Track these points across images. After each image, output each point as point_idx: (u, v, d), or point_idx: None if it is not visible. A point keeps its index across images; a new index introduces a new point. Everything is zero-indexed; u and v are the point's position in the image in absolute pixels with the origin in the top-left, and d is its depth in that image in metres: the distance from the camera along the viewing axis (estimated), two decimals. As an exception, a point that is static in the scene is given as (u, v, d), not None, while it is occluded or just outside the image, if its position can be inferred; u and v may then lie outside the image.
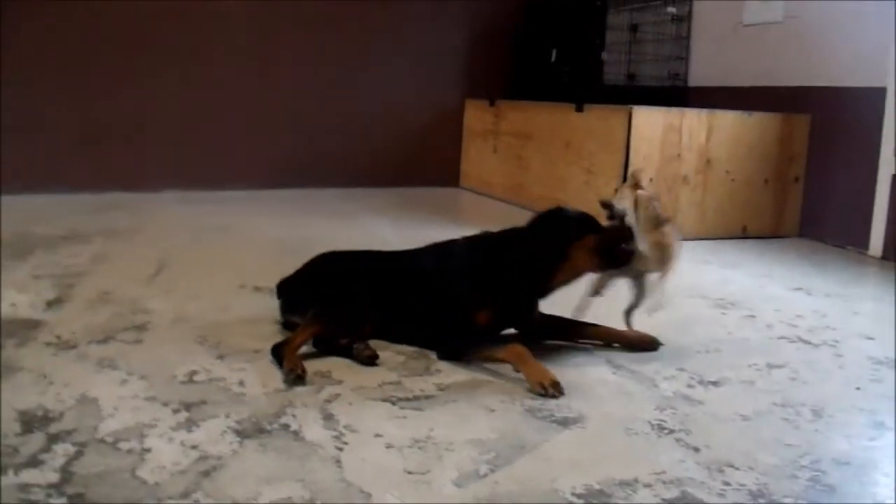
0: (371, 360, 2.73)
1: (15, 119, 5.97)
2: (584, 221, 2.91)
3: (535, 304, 3.00)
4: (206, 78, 6.62)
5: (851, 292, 4.15)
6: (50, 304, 3.34)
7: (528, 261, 2.87)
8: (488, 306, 2.87)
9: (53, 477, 1.90)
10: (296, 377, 2.54)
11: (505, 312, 2.91)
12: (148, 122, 6.48)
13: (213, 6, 6.57)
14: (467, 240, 3.05)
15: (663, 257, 2.88)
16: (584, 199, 5.54)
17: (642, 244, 2.86)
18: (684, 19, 6.68)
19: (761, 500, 1.93)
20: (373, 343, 2.84)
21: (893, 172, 4.99)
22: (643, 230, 2.88)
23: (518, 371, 2.66)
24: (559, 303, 2.99)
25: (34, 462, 1.96)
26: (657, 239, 2.87)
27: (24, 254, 4.16)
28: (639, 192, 2.94)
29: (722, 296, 3.90)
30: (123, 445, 2.08)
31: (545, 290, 2.93)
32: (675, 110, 5.41)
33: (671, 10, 6.74)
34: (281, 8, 6.78)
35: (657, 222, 2.90)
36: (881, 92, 5.06)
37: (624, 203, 2.93)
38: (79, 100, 6.22)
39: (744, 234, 5.53)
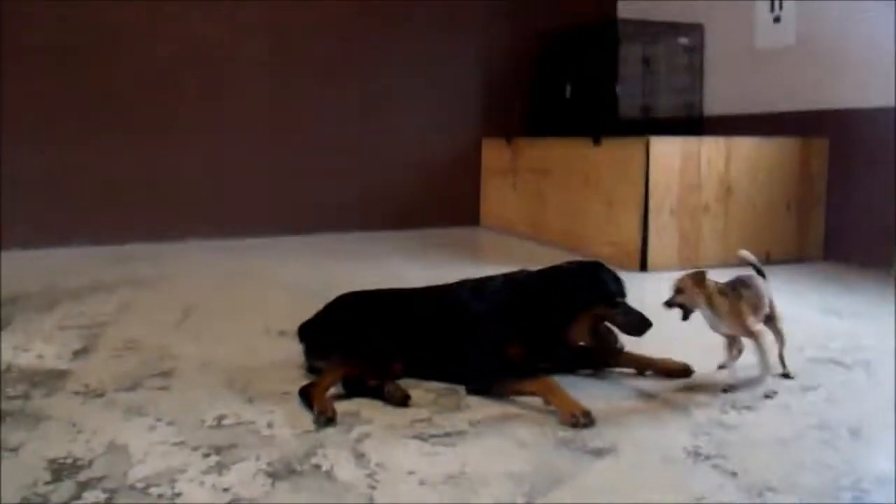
0: (404, 401, 2.69)
1: (35, 173, 6.01)
2: (598, 290, 2.92)
3: (566, 340, 2.97)
4: (226, 126, 6.65)
5: (881, 311, 4.09)
6: (76, 354, 3.33)
7: (546, 308, 2.89)
8: (520, 342, 2.85)
9: (85, 525, 1.88)
10: (326, 419, 2.52)
11: (536, 348, 2.89)
12: (168, 171, 6.50)
13: (233, 53, 6.62)
14: (505, 276, 3.07)
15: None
16: (604, 232, 5.54)
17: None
18: (696, 49, 6.69)
19: (804, 523, 1.89)
20: (403, 382, 2.81)
21: (915, 192, 4.96)
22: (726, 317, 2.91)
23: (548, 404, 2.63)
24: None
25: (65, 511, 1.95)
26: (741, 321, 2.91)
27: (49, 306, 4.17)
28: (707, 284, 2.92)
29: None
30: (154, 491, 2.06)
31: (565, 341, 2.94)
32: (692, 139, 5.40)
33: (683, 40, 6.75)
34: (299, 53, 6.83)
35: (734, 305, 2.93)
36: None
37: (693, 298, 2.91)
38: (98, 151, 6.24)
39: (768, 261, 5.47)
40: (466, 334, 2.91)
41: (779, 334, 3.06)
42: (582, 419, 2.50)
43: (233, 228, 6.62)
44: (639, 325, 2.89)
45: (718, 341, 3.50)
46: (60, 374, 3.05)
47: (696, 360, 3.05)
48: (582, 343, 2.97)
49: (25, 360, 3.25)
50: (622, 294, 2.95)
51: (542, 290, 2.94)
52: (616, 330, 2.95)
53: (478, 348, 2.86)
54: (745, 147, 5.41)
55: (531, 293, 2.93)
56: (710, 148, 5.31)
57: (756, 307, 2.94)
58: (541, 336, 2.90)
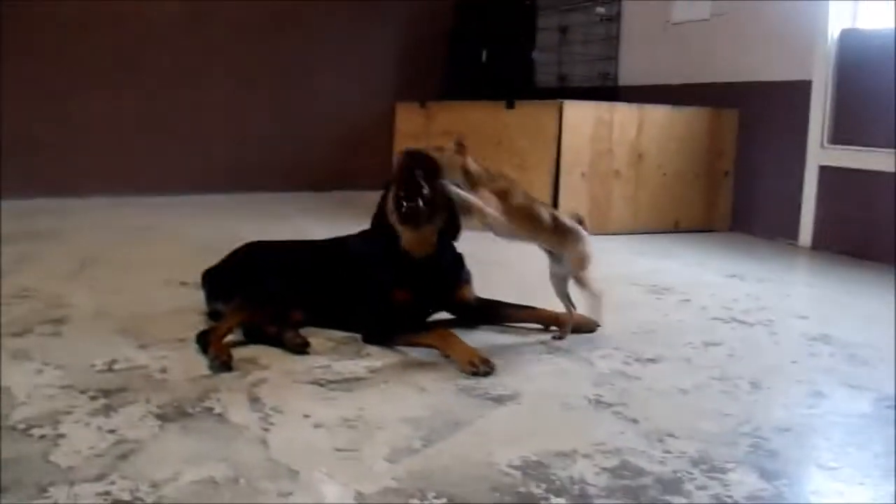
0: (302, 348, 2.63)
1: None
2: (395, 175, 2.81)
3: (458, 284, 2.94)
4: (137, 83, 6.48)
5: (783, 278, 4.16)
6: (-35, 302, 3.20)
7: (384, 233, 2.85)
8: (404, 285, 2.81)
9: (-41, 463, 1.79)
10: (221, 363, 2.44)
11: (421, 291, 2.84)
12: (75, 126, 6.31)
13: (148, 9, 6.44)
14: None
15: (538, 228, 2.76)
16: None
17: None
18: (613, 19, 6.70)
19: (703, 466, 1.88)
20: (303, 331, 2.75)
21: (821, 164, 5.02)
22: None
23: (447, 356, 2.60)
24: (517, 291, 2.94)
25: (-62, 450, 1.85)
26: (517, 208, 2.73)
27: (-62, 256, 4.00)
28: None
29: (656, 283, 3.88)
30: (36, 432, 1.96)
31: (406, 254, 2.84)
32: (605, 104, 5.41)
33: (600, 10, 6.76)
34: (209, 13, 6.67)
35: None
36: (807, 85, 5.10)
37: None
38: (2, 104, 6.03)
39: (676, 229, 5.54)
40: (357, 282, 2.87)
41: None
42: (482, 367, 2.47)
43: (140, 186, 6.45)
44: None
45: (626, 299, 3.53)
46: (-54, 320, 2.92)
47: (602, 315, 3.04)
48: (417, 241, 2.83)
49: None
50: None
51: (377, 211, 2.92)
52: None
53: (367, 295, 2.81)
54: (657, 115, 5.44)
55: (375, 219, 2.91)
56: (623, 114, 5.33)
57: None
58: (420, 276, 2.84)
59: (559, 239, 2.75)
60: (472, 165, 2.74)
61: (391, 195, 2.78)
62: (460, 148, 2.75)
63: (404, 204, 2.70)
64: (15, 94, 6.06)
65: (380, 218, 2.87)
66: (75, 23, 6.22)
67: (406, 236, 2.79)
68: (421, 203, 2.69)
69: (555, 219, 2.76)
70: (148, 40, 6.50)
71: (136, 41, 6.46)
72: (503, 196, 2.72)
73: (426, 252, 2.83)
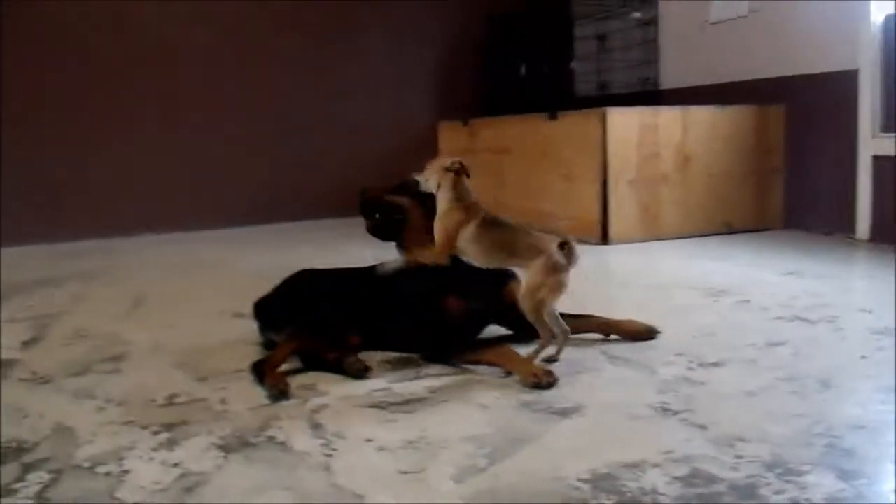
0: (363, 373, 2.60)
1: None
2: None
3: (504, 282, 2.89)
4: (177, 119, 6.55)
5: (843, 273, 4.07)
6: (25, 344, 3.23)
7: None
8: (456, 293, 2.79)
9: (27, 505, 1.79)
10: (279, 392, 2.43)
11: (473, 297, 2.82)
12: (118, 166, 6.38)
13: (185, 43, 6.52)
14: None
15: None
16: (564, 206, 5.50)
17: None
18: (651, 23, 6.65)
19: (778, 470, 1.83)
20: (361, 355, 2.73)
21: (874, 154, 4.93)
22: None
23: (508, 374, 2.57)
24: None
25: (7, 492, 1.85)
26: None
27: (-3, 300, 4.06)
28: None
29: (713, 285, 3.82)
30: (101, 469, 1.96)
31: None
32: (649, 109, 5.37)
33: (637, 15, 6.72)
34: (248, 45, 6.74)
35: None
36: (853, 74, 5.02)
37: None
38: (46, 149, 6.12)
39: (728, 230, 5.46)
40: (408, 301, 2.86)
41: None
42: (545, 379, 2.44)
43: (185, 221, 6.52)
44: None
45: (683, 303, 3.48)
46: (8, 364, 2.95)
47: (661, 321, 2.99)
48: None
49: (-28, 353, 3.14)
50: None
51: None
52: None
53: (420, 311, 2.79)
54: (702, 116, 5.38)
55: None
56: (667, 118, 5.28)
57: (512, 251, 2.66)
58: (472, 282, 2.82)
59: (532, 264, 2.61)
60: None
61: None
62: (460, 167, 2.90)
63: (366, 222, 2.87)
64: (61, 137, 6.14)
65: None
66: (115, 63, 6.30)
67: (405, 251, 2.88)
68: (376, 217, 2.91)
69: (530, 246, 2.65)
70: (183, 74, 6.57)
71: (171, 76, 6.52)
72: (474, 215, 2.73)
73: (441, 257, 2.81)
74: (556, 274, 2.56)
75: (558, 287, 2.57)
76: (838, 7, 5.07)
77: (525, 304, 2.58)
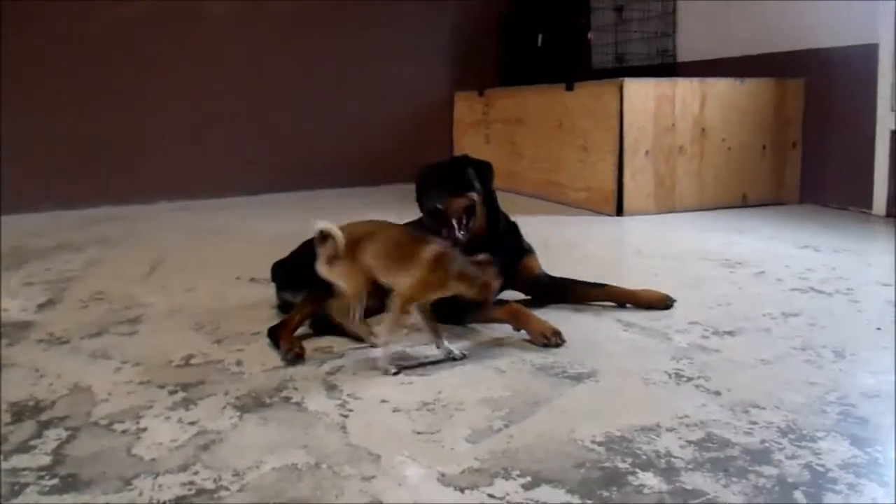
0: (370, 337, 2.61)
1: (3, 138, 5.88)
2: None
3: (521, 255, 2.94)
4: (195, 86, 6.53)
5: (860, 247, 4.05)
6: (41, 307, 3.25)
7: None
8: None
9: (45, 460, 1.81)
10: (294, 356, 2.45)
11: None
12: (138, 134, 6.38)
13: (199, 11, 6.49)
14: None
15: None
16: (579, 177, 5.49)
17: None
18: (669, -5, 6.60)
19: (791, 436, 1.84)
20: (376, 318, 2.74)
21: (892, 128, 4.89)
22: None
23: (518, 329, 2.61)
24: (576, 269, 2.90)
25: (24, 448, 1.87)
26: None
27: (15, 265, 4.07)
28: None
29: (728, 257, 3.81)
30: (118, 427, 1.98)
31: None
32: (666, 80, 5.32)
33: (655, -14, 6.66)
34: (265, 12, 6.71)
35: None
36: (873, 48, 4.97)
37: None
38: (67, 116, 6.13)
39: (744, 203, 5.44)
40: None
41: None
42: (553, 338, 2.47)
43: (203, 189, 6.52)
44: None
45: (698, 274, 3.48)
46: (25, 325, 2.97)
47: (676, 291, 2.99)
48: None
49: (-11, 313, 3.16)
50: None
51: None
52: None
53: None
54: (720, 88, 5.34)
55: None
56: (685, 89, 5.24)
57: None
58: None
59: None
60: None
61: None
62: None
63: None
64: (80, 102, 6.14)
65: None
66: (134, 28, 6.28)
67: None
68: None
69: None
70: (205, 42, 6.55)
71: (195, 42, 6.51)
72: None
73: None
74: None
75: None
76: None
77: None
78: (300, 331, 2.65)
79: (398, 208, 5.58)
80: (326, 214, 5.33)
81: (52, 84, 6.08)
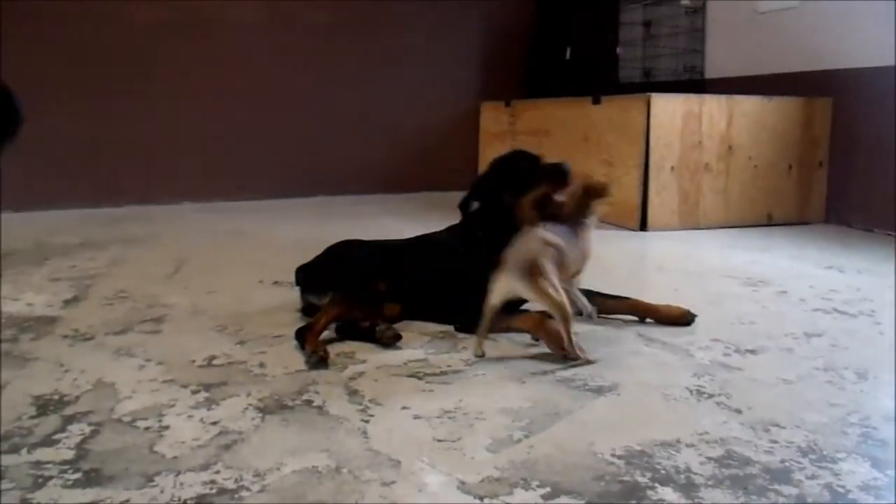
0: (394, 342, 2.63)
1: (28, 136, 5.90)
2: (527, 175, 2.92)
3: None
4: (221, 89, 6.57)
5: (884, 269, 4.03)
6: (67, 303, 3.28)
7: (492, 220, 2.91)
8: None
9: (68, 454, 1.82)
10: (319, 359, 2.45)
11: None
12: (163, 135, 6.43)
13: (225, 16, 6.53)
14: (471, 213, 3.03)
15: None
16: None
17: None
18: (699, 11, 6.59)
19: (812, 456, 1.83)
20: (399, 325, 2.77)
21: (920, 151, 4.87)
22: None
23: (537, 340, 2.63)
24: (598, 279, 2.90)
25: (48, 442, 1.89)
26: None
27: (40, 261, 4.11)
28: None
29: (752, 275, 3.80)
30: (141, 424, 2.00)
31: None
32: (694, 97, 5.32)
33: (685, 2, 6.66)
34: (293, 16, 6.75)
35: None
36: (903, 70, 4.96)
37: None
38: (92, 116, 6.18)
39: (769, 222, 5.42)
40: (452, 275, 2.89)
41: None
42: (572, 351, 2.46)
43: (228, 191, 6.56)
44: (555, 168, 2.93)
45: (721, 291, 3.47)
46: (50, 321, 2.99)
47: (698, 308, 2.99)
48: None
49: (15, 308, 3.19)
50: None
51: (485, 199, 2.98)
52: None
53: (464, 289, 2.78)
54: (747, 106, 5.33)
55: (495, 220, 2.92)
56: (712, 106, 5.24)
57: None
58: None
59: None
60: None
61: (532, 196, 2.84)
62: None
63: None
64: (105, 102, 6.19)
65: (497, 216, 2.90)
66: (160, 30, 6.34)
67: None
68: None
69: None
70: (231, 45, 6.59)
71: (219, 46, 6.55)
72: None
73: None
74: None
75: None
76: (888, 1, 5.00)
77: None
78: (325, 335, 2.66)
79: (421, 216, 5.62)
80: (348, 220, 5.41)
81: (79, 84, 6.13)
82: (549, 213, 2.80)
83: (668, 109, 5.12)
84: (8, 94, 1.30)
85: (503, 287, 2.49)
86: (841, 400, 2.20)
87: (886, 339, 2.81)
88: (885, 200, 5.06)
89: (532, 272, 2.45)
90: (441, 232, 3.13)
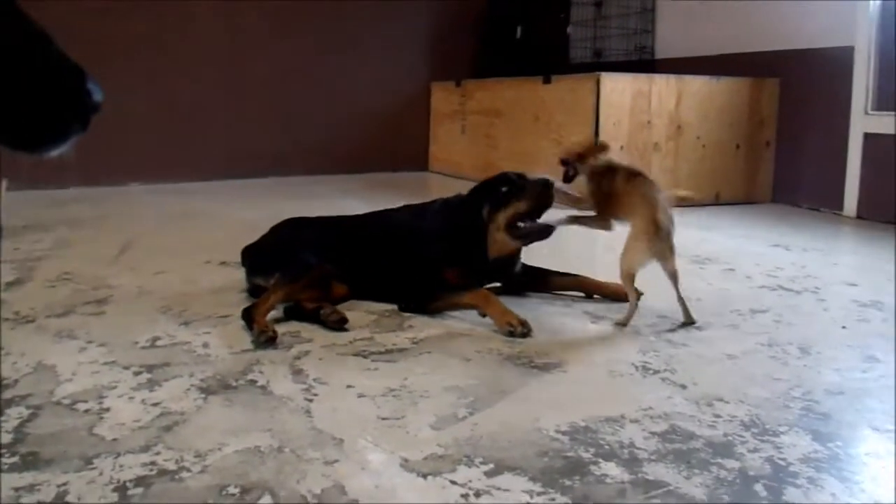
0: (340, 324, 2.60)
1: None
2: (508, 194, 2.85)
3: (514, 261, 2.93)
4: (171, 70, 6.47)
5: (829, 247, 4.08)
6: (9, 286, 3.21)
7: (466, 227, 2.86)
8: (457, 265, 2.81)
9: (6, 438, 1.79)
10: (267, 339, 2.43)
11: (473, 271, 2.83)
12: (111, 114, 6.27)
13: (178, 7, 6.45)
14: (444, 200, 3.02)
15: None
16: (554, 171, 5.46)
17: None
18: (649, -8, 6.61)
19: (755, 430, 1.85)
20: (345, 305, 2.75)
21: (865, 131, 4.93)
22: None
23: (484, 315, 2.63)
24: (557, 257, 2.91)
25: (-15, 425, 1.85)
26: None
27: (-19, 243, 4.03)
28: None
29: (699, 253, 3.83)
30: (81, 406, 1.96)
31: (489, 257, 2.87)
32: (643, 76, 5.34)
33: (635, -17, 6.67)
34: (242, 4, 6.67)
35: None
36: (849, 51, 5.01)
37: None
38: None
39: (717, 201, 5.46)
40: (406, 255, 2.88)
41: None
42: (519, 328, 2.48)
43: (178, 173, 6.47)
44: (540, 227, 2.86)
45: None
46: (-10, 304, 2.94)
47: (645, 285, 2.99)
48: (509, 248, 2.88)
49: (-48, 292, 3.13)
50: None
51: (466, 207, 2.92)
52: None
53: (416, 269, 2.80)
54: (697, 86, 5.36)
55: (461, 213, 2.91)
56: (661, 86, 5.26)
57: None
58: (475, 256, 2.84)
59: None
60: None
61: (506, 213, 2.81)
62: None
63: (520, 226, 2.80)
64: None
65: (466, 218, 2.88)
66: (107, 10, 6.22)
67: (497, 245, 2.83)
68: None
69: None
70: (183, 26, 6.49)
71: (171, 27, 6.45)
72: None
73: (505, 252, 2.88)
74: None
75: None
76: (837, -19, 5.06)
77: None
78: (271, 314, 2.63)
79: (373, 196, 5.60)
80: (300, 200, 5.37)
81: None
82: (518, 232, 2.81)
83: (618, 89, 5.14)
84: (81, 74, 1.19)
85: (647, 249, 2.58)
86: (784, 375, 2.22)
87: (829, 316, 2.84)
88: (831, 180, 5.11)
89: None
90: (396, 210, 3.12)
